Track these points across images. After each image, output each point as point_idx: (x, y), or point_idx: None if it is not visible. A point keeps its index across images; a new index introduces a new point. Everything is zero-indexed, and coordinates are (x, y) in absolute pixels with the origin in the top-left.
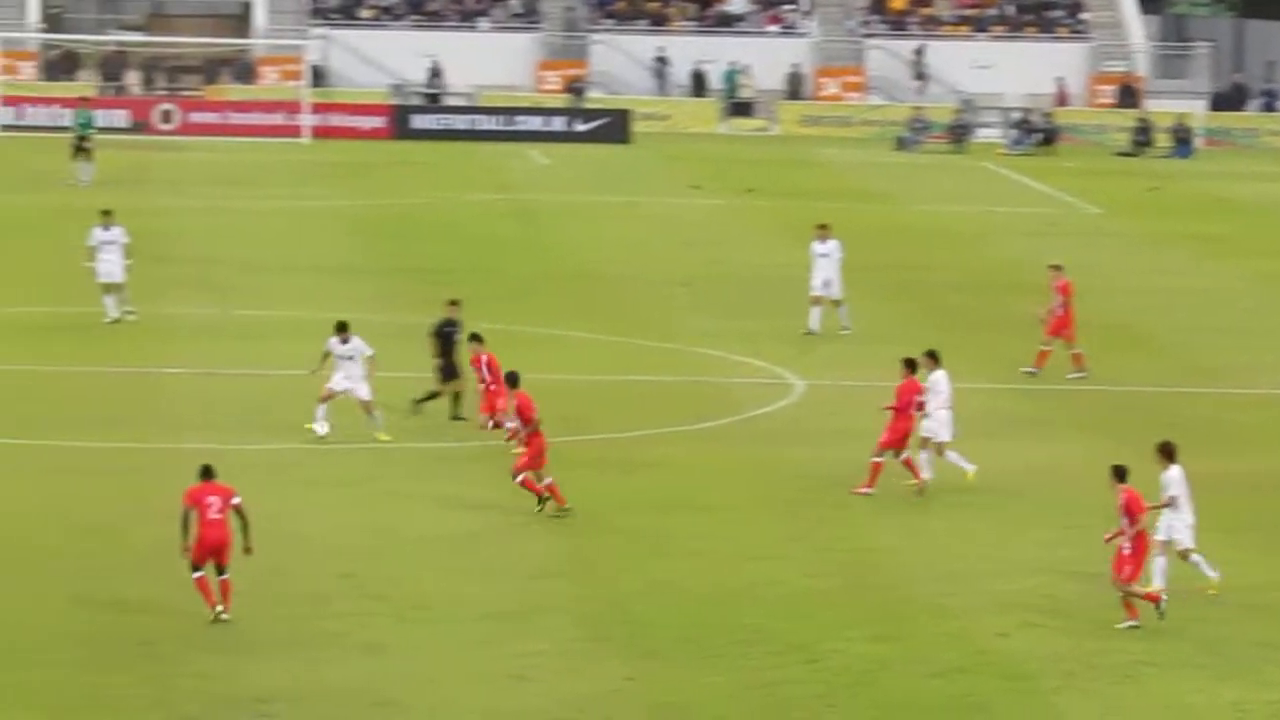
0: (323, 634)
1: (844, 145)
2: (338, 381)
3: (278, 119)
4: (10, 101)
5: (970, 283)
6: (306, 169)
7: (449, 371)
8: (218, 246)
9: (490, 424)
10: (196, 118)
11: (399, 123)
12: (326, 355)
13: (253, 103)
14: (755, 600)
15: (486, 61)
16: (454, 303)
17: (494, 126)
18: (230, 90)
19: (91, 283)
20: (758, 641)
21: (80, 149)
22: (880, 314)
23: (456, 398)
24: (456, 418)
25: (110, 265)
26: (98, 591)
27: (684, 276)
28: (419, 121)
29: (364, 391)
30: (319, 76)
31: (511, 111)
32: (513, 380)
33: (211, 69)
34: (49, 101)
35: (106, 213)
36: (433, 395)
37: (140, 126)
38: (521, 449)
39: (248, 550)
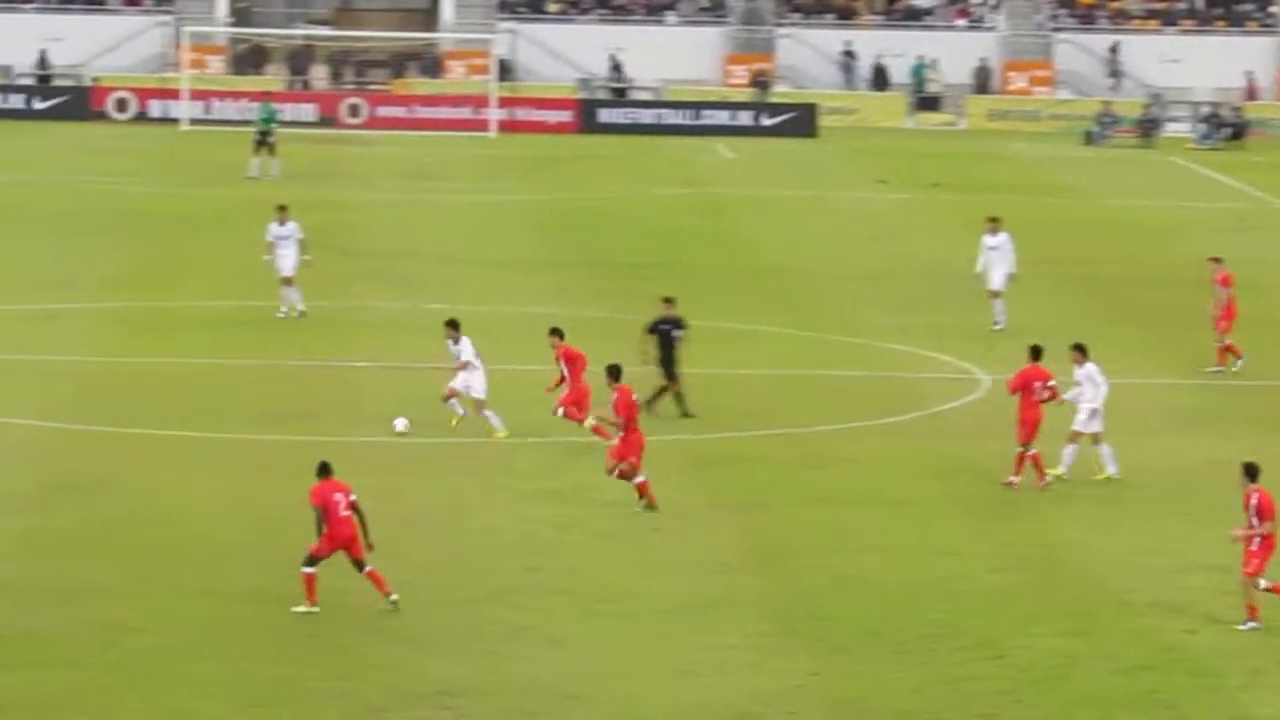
0: (507, 627)
1: (1031, 139)
2: (458, 380)
3: (465, 113)
4: (199, 96)
5: (1157, 278)
6: (493, 163)
7: (669, 368)
8: (404, 240)
9: (561, 413)
10: (384, 112)
11: (586, 117)
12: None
13: (440, 97)
14: (941, 595)
15: (673, 55)
16: (669, 300)
17: (680, 120)
18: (417, 84)
19: (274, 277)
20: (943, 636)
21: (263, 143)
22: (1065, 308)
23: (679, 395)
24: (685, 414)
25: (285, 260)
26: (281, 585)
27: (870, 271)
28: (606, 115)
29: (478, 390)
30: (506, 71)
31: (698, 105)
32: (615, 374)
33: (399, 63)
34: (236, 96)
35: (282, 208)
36: (660, 391)
37: (327, 121)
38: (613, 441)
39: (369, 547)
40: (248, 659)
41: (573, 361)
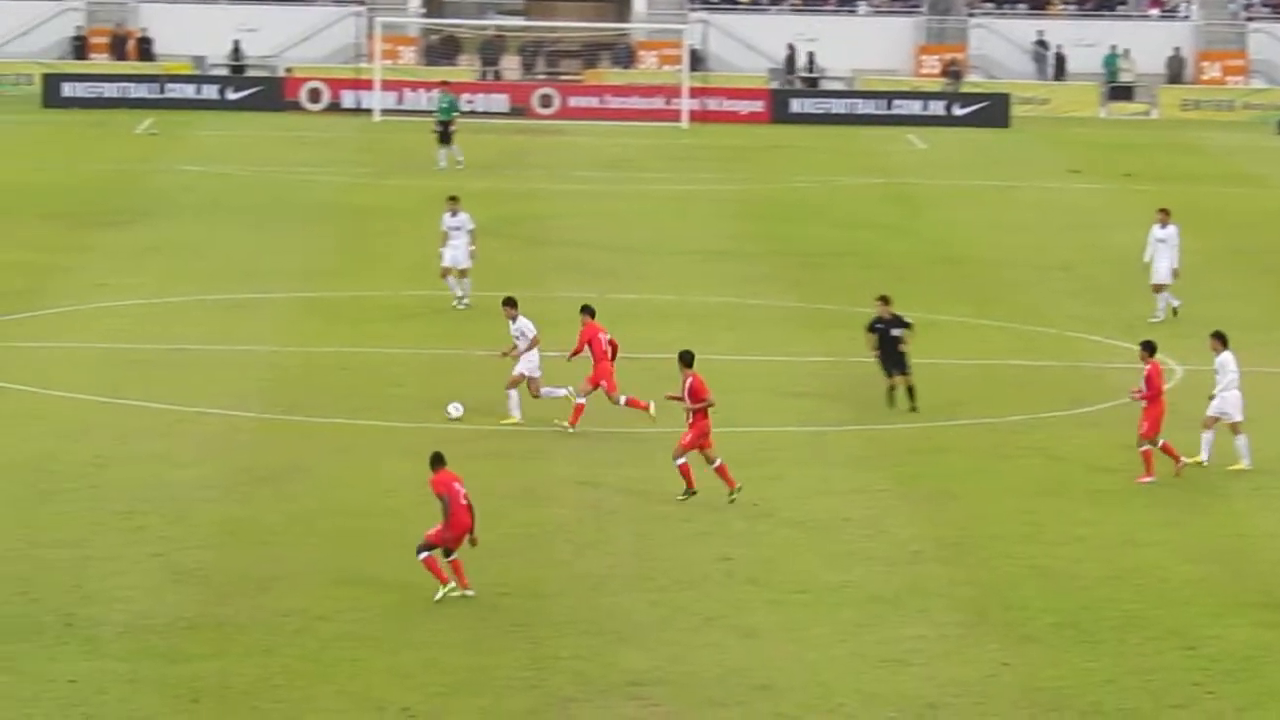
0: (698, 617)
1: (1225, 129)
2: (524, 365)
3: (656, 103)
4: (391, 86)
5: None
6: (684, 153)
7: (889, 365)
8: (595, 231)
9: (581, 395)
10: (575, 102)
11: (777, 107)
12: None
13: (631, 87)
14: (1133, 586)
15: (865, 45)
16: (884, 299)
17: (872, 110)
18: (609, 75)
19: (446, 268)
20: (1136, 627)
21: (444, 134)
22: (1256, 299)
23: (910, 390)
24: (913, 409)
25: (456, 251)
26: (473, 575)
27: (1062, 261)
28: (797, 106)
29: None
30: (697, 61)
31: (890, 95)
32: (687, 360)
33: (591, 54)
34: (429, 86)
35: (453, 199)
36: (892, 389)
37: (519, 111)
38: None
39: (474, 541)
40: (438, 648)
41: (594, 341)
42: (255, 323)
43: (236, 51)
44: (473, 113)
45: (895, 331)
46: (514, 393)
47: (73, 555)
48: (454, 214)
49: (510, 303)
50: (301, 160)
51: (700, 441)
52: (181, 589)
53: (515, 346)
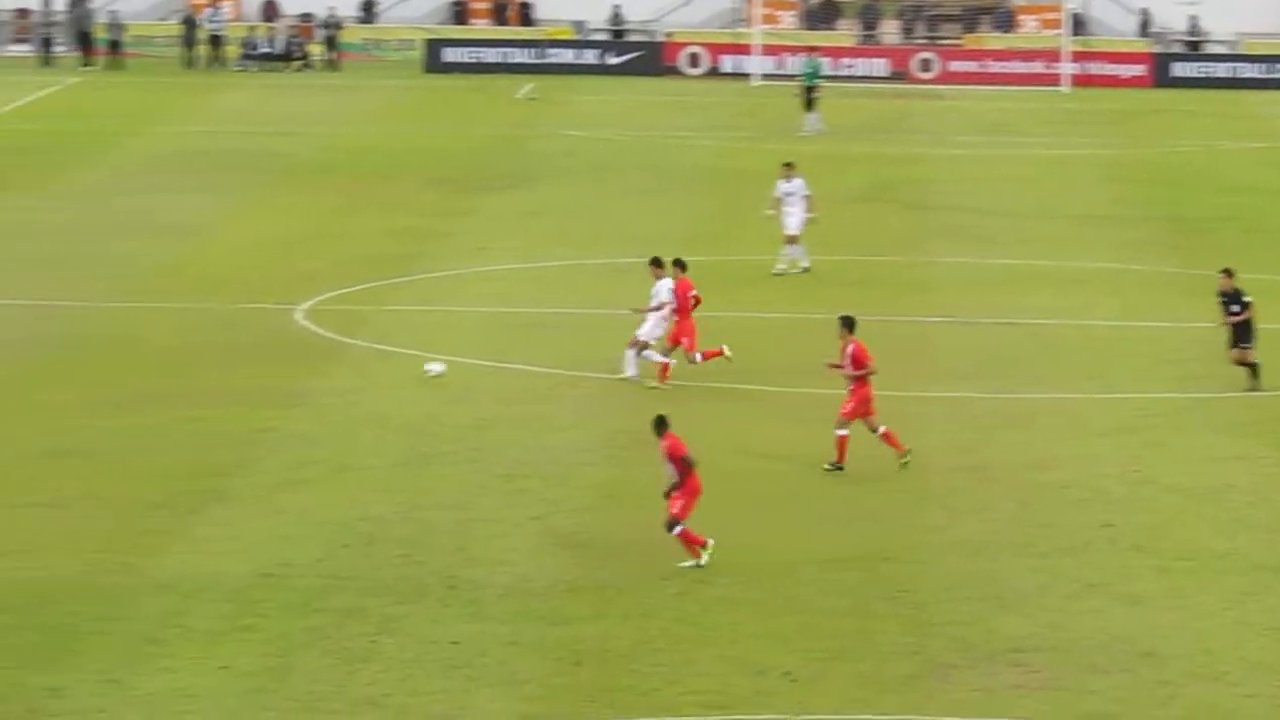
0: (1080, 584)
1: None
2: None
3: (1037, 67)
4: (770, 51)
5: None
6: (1065, 117)
7: (1233, 339)
8: (976, 195)
9: (699, 358)
10: (955, 66)
11: (1159, 71)
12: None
13: (1012, 51)
14: None
15: (1248, 8)
16: (1227, 272)
17: (1256, 74)
18: (989, 39)
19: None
20: None
21: (809, 98)
22: None
23: (1250, 367)
24: (1253, 388)
25: (791, 217)
26: (853, 541)
27: None
28: (1180, 70)
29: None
30: (1079, 25)
31: (1274, 59)
32: (849, 325)
33: (970, 17)
34: (809, 50)
35: (788, 165)
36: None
37: (899, 76)
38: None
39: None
40: (816, 613)
41: (683, 296)
42: (634, 287)
43: (616, 16)
44: (851, 77)
45: (1233, 307)
46: (696, 355)
47: (455, 518)
48: (788, 180)
49: (657, 263)
50: (680, 125)
51: (862, 410)
52: (561, 552)
53: (660, 305)
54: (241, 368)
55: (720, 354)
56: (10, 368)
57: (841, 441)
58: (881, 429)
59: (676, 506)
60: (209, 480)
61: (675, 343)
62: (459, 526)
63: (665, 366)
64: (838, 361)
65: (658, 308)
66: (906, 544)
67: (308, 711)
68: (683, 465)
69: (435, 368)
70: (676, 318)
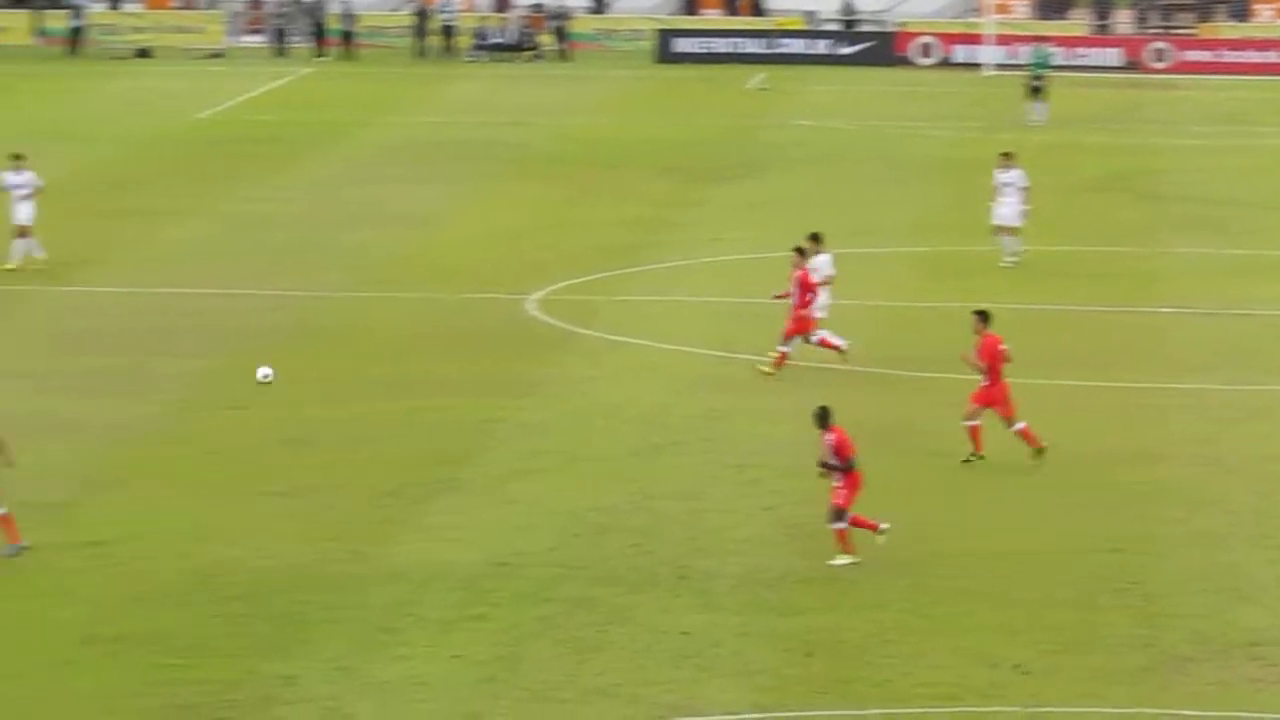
0: None
1: None
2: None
3: (1272, 57)
4: (1002, 41)
5: None
6: None
7: None
8: (1211, 186)
9: (815, 339)
10: (1189, 56)
11: None
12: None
13: (1247, 41)
14: None
15: None
16: None
17: None
18: (1224, 28)
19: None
20: None
21: (1035, 88)
22: None
23: None
24: None
25: (1006, 208)
26: (1083, 532)
27: None
28: None
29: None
30: None
31: None
32: (984, 319)
33: (1206, 7)
34: (1043, 40)
35: (1006, 154)
36: None
37: (1132, 65)
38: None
39: None
40: (1047, 605)
41: (806, 288)
42: (866, 277)
43: (848, 6)
44: (1084, 67)
45: None
46: (826, 336)
47: (687, 508)
48: (1005, 170)
49: (815, 239)
50: (912, 115)
51: (996, 404)
52: (793, 543)
53: (827, 279)
54: (473, 358)
55: (839, 348)
56: (245, 358)
57: (973, 432)
58: (1019, 425)
59: (840, 497)
60: (440, 469)
61: (793, 334)
62: (690, 516)
63: (783, 355)
64: (970, 355)
65: (825, 282)
66: (1139, 535)
67: (539, 700)
68: (845, 462)
69: (264, 371)
70: (795, 306)
